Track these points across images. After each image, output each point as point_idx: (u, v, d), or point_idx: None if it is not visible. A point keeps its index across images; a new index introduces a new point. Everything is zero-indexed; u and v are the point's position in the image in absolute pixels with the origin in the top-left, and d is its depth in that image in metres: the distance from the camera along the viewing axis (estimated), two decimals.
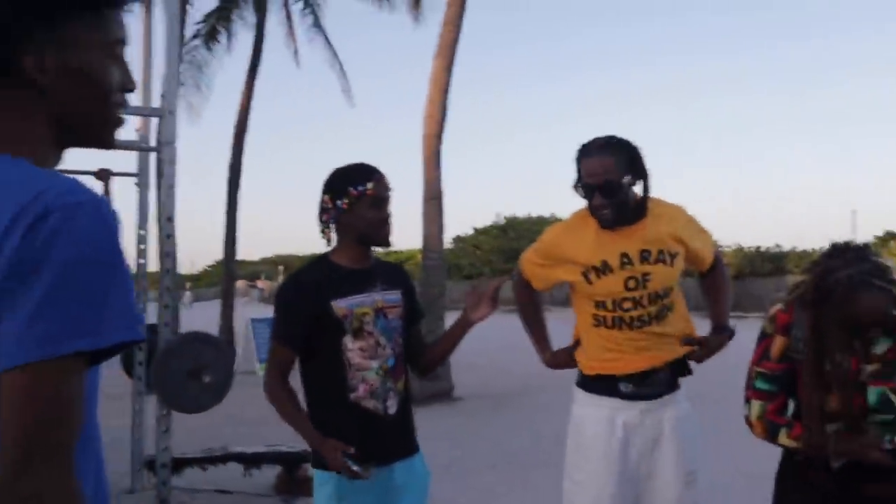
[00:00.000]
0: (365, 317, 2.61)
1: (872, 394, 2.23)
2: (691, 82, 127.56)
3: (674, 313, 2.74)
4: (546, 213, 40.35)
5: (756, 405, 2.38)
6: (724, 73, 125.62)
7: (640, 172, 2.68)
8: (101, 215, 1.00)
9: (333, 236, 2.67)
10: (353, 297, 2.61)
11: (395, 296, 2.71)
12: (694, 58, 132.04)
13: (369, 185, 2.57)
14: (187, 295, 49.74)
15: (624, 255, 2.67)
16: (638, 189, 2.71)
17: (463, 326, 2.71)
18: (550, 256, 2.82)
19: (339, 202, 2.59)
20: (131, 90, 1.21)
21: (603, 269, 2.67)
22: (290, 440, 6.74)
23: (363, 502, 2.57)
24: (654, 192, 2.75)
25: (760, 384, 2.38)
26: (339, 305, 2.58)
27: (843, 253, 2.22)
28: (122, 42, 1.18)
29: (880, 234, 32.82)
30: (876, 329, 2.21)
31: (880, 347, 2.24)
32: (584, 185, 2.66)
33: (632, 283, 2.67)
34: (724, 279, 2.98)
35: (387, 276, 2.74)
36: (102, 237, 0.99)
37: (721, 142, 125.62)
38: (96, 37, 1.14)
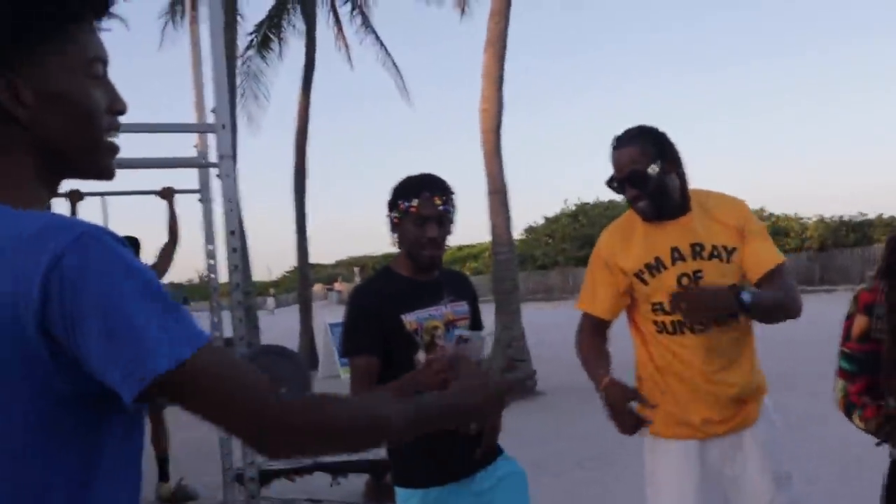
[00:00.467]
0: (436, 330, 2.55)
1: None
2: (760, 52, 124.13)
3: (739, 339, 2.54)
4: (618, 197, 39.61)
5: (840, 384, 2.26)
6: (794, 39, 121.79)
7: (669, 159, 2.52)
8: (103, 238, 0.96)
9: None
10: (423, 310, 2.55)
11: (462, 307, 2.64)
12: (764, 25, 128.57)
13: (414, 202, 2.51)
14: (270, 301, 51.15)
15: (675, 249, 2.52)
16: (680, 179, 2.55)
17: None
18: (609, 262, 2.63)
19: (392, 214, 2.55)
20: (122, 112, 1.13)
21: (657, 267, 2.53)
22: (376, 448, 6.75)
23: None
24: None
25: (843, 364, 2.25)
26: (409, 319, 2.52)
27: None
28: (100, 60, 1.10)
29: None
30: None
31: None
32: (615, 178, 2.54)
33: (684, 281, 2.50)
34: (784, 291, 2.51)
35: (454, 287, 2.67)
36: (118, 258, 0.96)
37: (799, 110, 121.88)
38: (70, 58, 1.05)
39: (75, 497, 0.98)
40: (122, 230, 6.59)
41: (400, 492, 2.58)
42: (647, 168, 2.47)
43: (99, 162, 1.12)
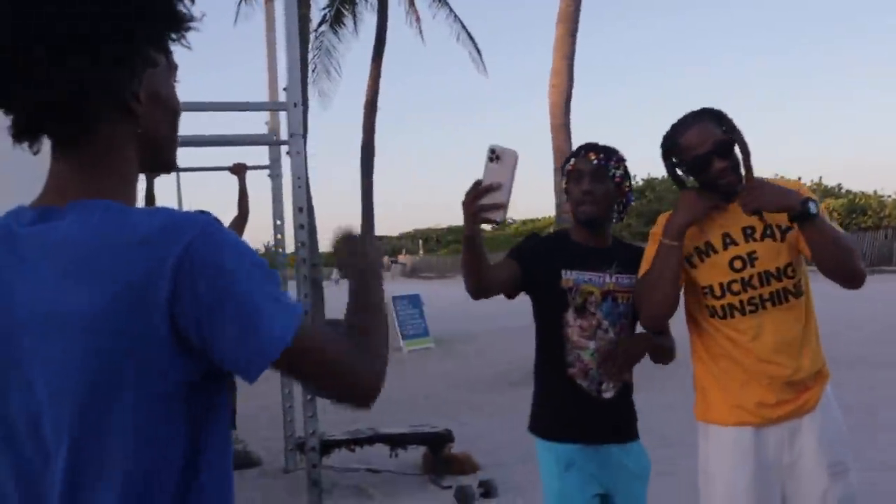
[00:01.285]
0: (590, 296, 2.60)
1: None
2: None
3: (795, 320, 2.48)
4: None
5: None
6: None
7: (737, 134, 2.44)
8: (221, 229, 1.04)
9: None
10: (583, 272, 2.61)
11: (629, 280, 2.65)
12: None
13: (572, 161, 2.66)
14: (335, 272, 51.84)
15: (726, 235, 2.48)
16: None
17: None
18: None
19: (563, 181, 2.70)
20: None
21: (706, 251, 2.50)
22: (434, 421, 6.86)
23: (585, 471, 2.60)
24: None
25: None
26: (567, 276, 2.60)
27: None
28: (177, 68, 1.19)
29: None
30: None
31: None
32: (695, 157, 2.44)
33: (738, 264, 2.47)
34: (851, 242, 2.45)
35: (625, 259, 2.68)
36: (238, 246, 1.04)
37: (880, 82, 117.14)
38: (167, 64, 1.15)
39: (188, 466, 1.05)
40: (193, 205, 6.78)
41: (539, 442, 2.70)
42: (730, 138, 2.42)
43: (174, 155, 1.22)
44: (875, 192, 34.50)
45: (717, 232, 2.50)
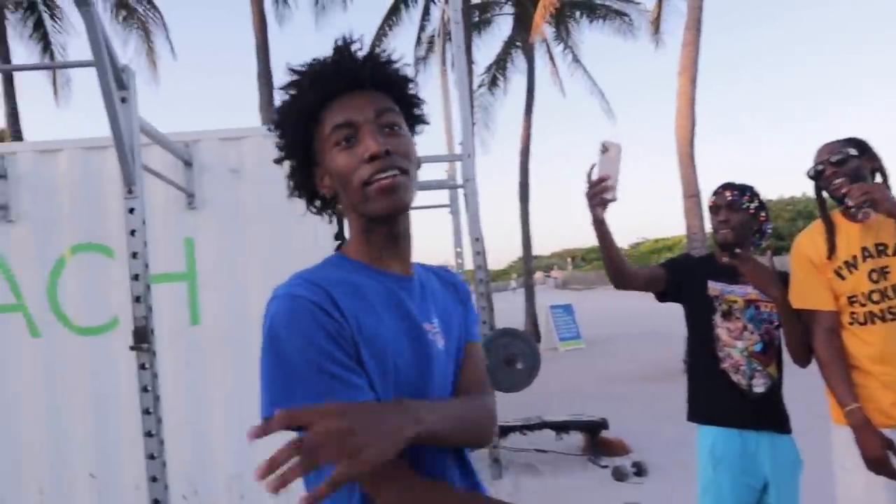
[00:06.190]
0: (734, 304, 2.51)
1: None
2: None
3: None
4: (798, 193, 36.39)
5: None
6: None
7: (868, 156, 2.26)
8: (285, 303, 0.97)
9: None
10: (727, 284, 2.54)
11: None
12: None
13: (712, 198, 2.62)
14: (512, 283, 53.55)
15: (864, 248, 2.26)
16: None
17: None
18: (814, 259, 2.36)
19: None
20: (373, 156, 1.02)
21: (853, 264, 2.27)
22: (589, 410, 6.70)
23: (739, 463, 2.43)
24: None
25: None
26: (713, 286, 2.55)
27: None
28: (337, 126, 1.06)
29: None
30: None
31: None
32: (815, 165, 2.32)
33: (874, 276, 2.23)
34: None
35: None
36: (277, 327, 0.96)
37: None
38: (323, 136, 1.08)
39: None
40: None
41: (699, 429, 2.54)
42: (849, 154, 2.27)
43: (367, 207, 1.05)
44: None
45: (857, 246, 2.29)
